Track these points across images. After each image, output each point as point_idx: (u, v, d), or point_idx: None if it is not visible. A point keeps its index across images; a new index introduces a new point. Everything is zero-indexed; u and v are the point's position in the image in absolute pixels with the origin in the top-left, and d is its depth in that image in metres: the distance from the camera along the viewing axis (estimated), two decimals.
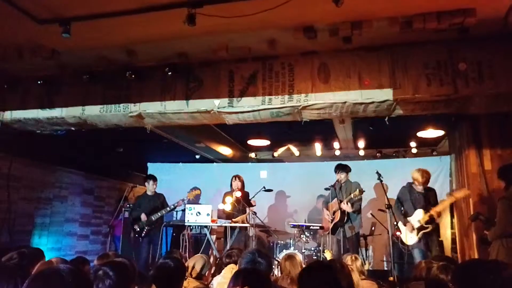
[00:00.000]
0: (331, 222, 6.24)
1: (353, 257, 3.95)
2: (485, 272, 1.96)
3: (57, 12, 3.88)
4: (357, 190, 6.01)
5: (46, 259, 3.44)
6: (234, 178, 6.88)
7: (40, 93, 5.43)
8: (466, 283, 1.96)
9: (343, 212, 6.13)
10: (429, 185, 5.96)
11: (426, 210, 5.52)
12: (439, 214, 5.55)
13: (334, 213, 6.28)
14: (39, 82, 5.31)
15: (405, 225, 5.65)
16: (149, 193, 7.34)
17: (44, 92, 5.41)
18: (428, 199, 5.69)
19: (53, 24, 3.99)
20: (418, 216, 5.54)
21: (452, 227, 7.21)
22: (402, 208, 5.83)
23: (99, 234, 9.71)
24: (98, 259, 3.68)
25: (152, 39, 4.40)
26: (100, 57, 4.90)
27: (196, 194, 7.20)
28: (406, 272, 6.00)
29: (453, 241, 7.08)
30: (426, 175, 5.69)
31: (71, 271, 1.55)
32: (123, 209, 8.47)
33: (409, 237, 5.60)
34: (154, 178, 7.34)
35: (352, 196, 6.04)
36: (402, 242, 5.81)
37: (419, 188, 5.73)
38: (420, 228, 5.50)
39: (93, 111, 5.22)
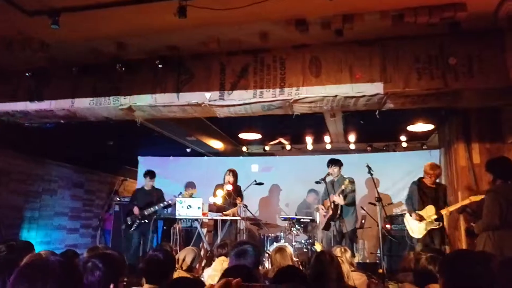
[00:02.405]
0: (325, 218, 6.25)
1: (343, 249, 3.98)
2: (471, 263, 1.99)
3: (46, 3, 3.82)
4: (347, 180, 6.03)
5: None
6: (228, 172, 6.88)
7: (29, 85, 5.36)
8: (453, 273, 1.98)
9: (335, 206, 6.14)
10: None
11: (437, 207, 5.51)
12: (450, 213, 5.53)
13: (327, 208, 6.30)
14: (27, 75, 5.24)
15: (412, 218, 5.67)
16: (146, 187, 7.36)
17: (33, 85, 5.35)
18: (438, 194, 5.70)
19: (42, 15, 3.93)
20: (428, 212, 5.53)
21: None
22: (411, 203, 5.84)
23: (89, 227, 9.67)
24: (87, 252, 3.66)
25: (142, 32, 4.36)
26: (90, 50, 4.84)
27: (192, 194, 7.19)
28: (395, 265, 6.08)
29: None
30: (437, 169, 5.72)
31: (61, 262, 1.54)
32: (114, 202, 8.45)
33: (417, 231, 5.61)
34: (151, 175, 7.37)
35: (343, 188, 6.06)
36: (392, 235, 5.85)
37: (429, 183, 5.72)
38: (429, 224, 5.51)
39: (82, 104, 5.17)
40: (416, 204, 5.73)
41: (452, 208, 5.47)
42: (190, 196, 7.01)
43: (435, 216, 5.46)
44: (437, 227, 5.48)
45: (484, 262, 2.02)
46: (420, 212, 5.60)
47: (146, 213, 6.92)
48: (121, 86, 5.08)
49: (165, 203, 6.97)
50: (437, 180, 5.84)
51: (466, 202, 5.33)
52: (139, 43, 4.66)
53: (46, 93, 5.32)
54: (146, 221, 6.94)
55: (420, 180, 5.86)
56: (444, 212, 5.43)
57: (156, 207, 6.94)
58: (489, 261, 2.09)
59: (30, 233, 7.91)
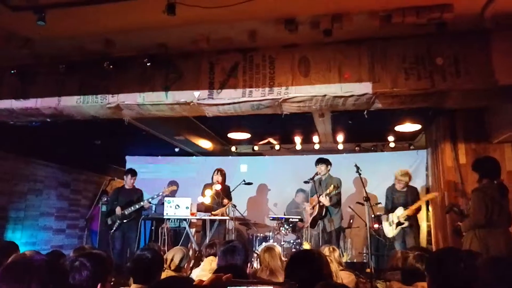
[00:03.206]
0: (311, 216, 6.31)
1: (331, 248, 4.00)
2: (458, 261, 2.00)
3: None
4: (332, 186, 6.11)
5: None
6: (216, 172, 6.85)
7: (14, 83, 5.25)
8: (440, 270, 2.00)
9: (321, 206, 6.19)
10: None
11: (406, 207, 5.93)
12: (416, 211, 5.96)
13: (313, 207, 6.35)
14: (12, 72, 5.14)
15: (386, 220, 6.19)
16: (126, 186, 7.25)
17: (18, 82, 5.24)
18: (407, 198, 6.11)
19: (27, 11, 3.86)
20: (398, 213, 5.97)
21: (427, 220, 7.39)
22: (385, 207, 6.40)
23: (76, 228, 9.54)
24: (74, 252, 3.61)
25: (131, 29, 4.31)
26: (77, 47, 4.77)
27: (172, 190, 7.13)
28: (383, 264, 6.15)
29: (428, 233, 7.26)
30: (407, 176, 6.16)
31: (46, 261, 1.51)
32: (101, 202, 8.35)
33: (389, 231, 6.09)
34: (132, 173, 7.24)
35: (328, 192, 6.15)
36: (380, 235, 6.11)
37: (400, 187, 6.17)
38: (398, 223, 5.95)
39: (69, 102, 5.09)
40: (390, 207, 6.23)
41: (414, 207, 5.87)
42: (171, 192, 6.97)
43: (405, 216, 5.87)
44: (405, 225, 5.90)
45: (470, 260, 2.04)
46: (391, 214, 6.09)
47: (126, 212, 6.81)
48: (109, 84, 5.02)
49: (140, 204, 6.85)
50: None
51: (422, 202, 5.98)
52: (127, 40, 4.61)
53: (31, 91, 5.22)
54: (127, 220, 6.83)
55: (393, 185, 6.32)
56: (409, 212, 5.85)
57: (137, 206, 6.83)
58: (474, 259, 2.11)
59: (15, 234, 7.77)
